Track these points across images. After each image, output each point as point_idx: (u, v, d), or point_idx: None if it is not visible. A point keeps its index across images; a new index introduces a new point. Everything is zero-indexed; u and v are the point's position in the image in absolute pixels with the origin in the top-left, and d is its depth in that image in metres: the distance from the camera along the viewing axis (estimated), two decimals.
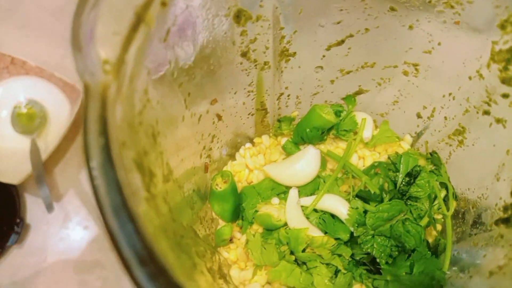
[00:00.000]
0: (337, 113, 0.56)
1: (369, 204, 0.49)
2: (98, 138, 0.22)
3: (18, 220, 0.61)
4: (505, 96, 0.38)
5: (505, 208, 0.39)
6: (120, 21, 0.27)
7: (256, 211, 0.51)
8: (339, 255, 0.48)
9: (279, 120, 0.58)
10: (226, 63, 0.42)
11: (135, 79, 0.27)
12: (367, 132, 0.54)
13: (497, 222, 0.40)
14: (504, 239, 0.38)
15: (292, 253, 0.49)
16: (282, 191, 0.53)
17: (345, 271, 0.47)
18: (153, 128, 0.31)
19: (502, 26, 0.35)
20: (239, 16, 0.38)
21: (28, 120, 0.67)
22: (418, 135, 0.52)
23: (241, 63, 0.44)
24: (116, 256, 0.21)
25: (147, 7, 0.28)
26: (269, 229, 0.50)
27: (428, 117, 0.49)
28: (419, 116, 0.51)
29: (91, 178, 0.22)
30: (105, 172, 0.21)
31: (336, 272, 0.48)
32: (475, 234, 0.44)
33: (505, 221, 0.39)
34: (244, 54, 0.43)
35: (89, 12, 0.25)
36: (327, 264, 0.48)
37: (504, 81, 0.38)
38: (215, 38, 0.38)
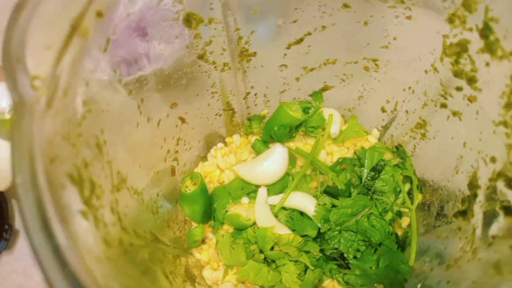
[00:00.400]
0: (306, 110, 0.56)
1: (338, 199, 0.49)
2: (23, 155, 0.22)
3: (6, 227, 0.61)
4: (458, 89, 0.38)
5: (463, 201, 0.40)
6: (53, 34, 0.27)
7: (226, 211, 0.51)
8: (307, 252, 0.48)
9: (249, 119, 0.58)
10: (183, 67, 0.42)
11: (70, 91, 0.27)
12: (335, 127, 0.54)
13: (456, 215, 0.41)
14: (462, 231, 0.39)
15: (261, 251, 0.49)
16: (252, 190, 0.53)
17: (313, 268, 0.47)
18: (98, 138, 0.31)
19: (450, 20, 0.35)
20: (189, 20, 0.37)
21: None
22: (385, 129, 0.52)
23: (199, 66, 0.44)
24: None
25: (81, 18, 0.27)
26: (239, 229, 0.51)
27: (391, 111, 0.50)
28: (383, 110, 0.51)
29: (18, 197, 0.22)
30: (28, 190, 0.21)
31: (306, 269, 0.49)
32: (439, 226, 0.44)
33: (462, 213, 0.39)
34: (201, 57, 0.43)
35: (21, 26, 0.25)
36: (296, 261, 0.48)
37: (456, 74, 0.38)
38: (167, 43, 0.38)
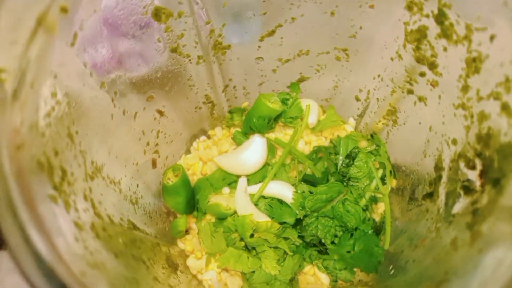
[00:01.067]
0: (284, 101, 0.57)
1: (316, 187, 0.51)
2: None
3: None
4: (422, 74, 0.40)
5: (430, 183, 0.41)
6: (18, 29, 0.28)
7: (208, 201, 0.53)
8: (286, 238, 0.49)
9: (230, 112, 0.59)
10: (156, 60, 0.43)
11: (37, 84, 0.28)
12: (312, 117, 0.55)
13: (424, 197, 0.42)
14: (429, 212, 0.40)
15: (242, 239, 0.50)
16: (233, 180, 0.54)
17: (291, 253, 0.49)
18: (69, 129, 0.32)
19: (409, 8, 0.37)
20: (158, 14, 0.39)
21: None
22: (360, 118, 0.54)
23: (173, 59, 0.45)
24: None
25: (46, 14, 0.29)
26: (220, 218, 0.52)
27: (365, 99, 0.51)
28: (357, 99, 0.52)
29: None
30: None
31: (285, 255, 0.50)
32: (410, 210, 0.46)
33: (430, 195, 0.41)
34: (174, 50, 0.44)
35: None
36: (275, 248, 0.49)
37: (418, 60, 0.39)
38: (137, 38, 0.39)
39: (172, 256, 0.49)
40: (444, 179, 0.38)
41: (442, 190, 0.39)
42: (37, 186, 0.26)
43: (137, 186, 0.46)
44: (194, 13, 0.40)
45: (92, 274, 0.26)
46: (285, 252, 0.50)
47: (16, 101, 0.26)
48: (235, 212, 0.52)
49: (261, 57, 0.51)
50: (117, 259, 0.32)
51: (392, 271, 0.41)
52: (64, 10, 0.30)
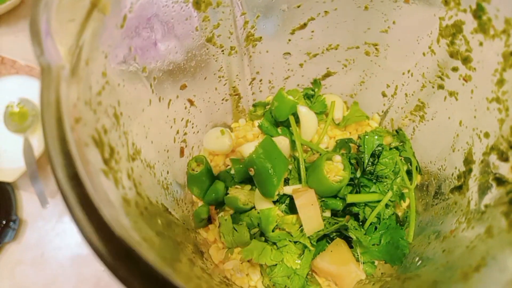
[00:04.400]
0: (309, 96, 0.58)
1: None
2: (52, 114, 0.24)
3: (14, 217, 0.63)
4: (454, 69, 0.40)
5: (459, 177, 0.42)
6: (75, 8, 0.29)
7: (227, 193, 0.53)
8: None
9: (254, 105, 0.60)
10: (192, 49, 0.44)
11: (91, 62, 0.29)
12: (338, 113, 0.56)
13: (452, 191, 0.42)
14: (457, 205, 0.41)
15: (262, 234, 0.51)
16: None
17: (312, 248, 0.49)
18: (115, 109, 0.33)
19: (446, 2, 0.37)
20: (198, 3, 0.40)
21: (21, 119, 0.68)
22: (385, 114, 0.54)
23: (207, 49, 0.46)
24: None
25: None
26: (238, 212, 0.52)
27: (392, 95, 0.51)
28: (384, 95, 0.53)
29: (48, 152, 0.24)
30: (57, 145, 0.24)
31: (304, 249, 0.50)
32: (436, 204, 0.46)
33: (458, 188, 0.41)
34: (209, 40, 0.45)
35: (47, 1, 0.28)
36: (295, 242, 0.50)
37: (452, 55, 0.40)
38: (177, 25, 0.40)
39: (198, 243, 0.49)
40: (475, 172, 0.39)
41: (472, 183, 0.39)
42: (93, 160, 0.27)
43: (168, 172, 0.47)
44: (232, 3, 0.41)
45: (145, 246, 0.26)
46: (304, 247, 0.50)
47: (74, 77, 0.27)
48: (252, 208, 0.52)
49: (289, 51, 0.52)
50: (159, 238, 0.33)
51: (419, 262, 0.42)
52: None
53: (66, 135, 0.24)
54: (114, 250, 0.21)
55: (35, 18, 0.27)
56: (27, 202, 0.67)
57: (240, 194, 0.52)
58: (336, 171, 0.47)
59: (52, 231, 0.65)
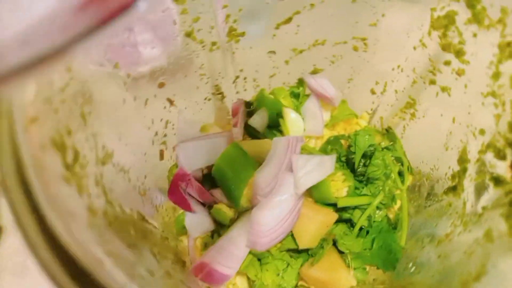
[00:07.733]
0: (295, 95, 0.55)
1: None
2: (3, 112, 0.21)
3: None
4: (447, 63, 0.38)
5: (453, 177, 0.40)
6: None
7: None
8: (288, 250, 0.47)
9: None
10: (169, 45, 0.41)
11: None
12: (326, 113, 0.54)
13: (446, 192, 0.40)
14: (452, 207, 0.39)
15: None
16: None
17: (294, 266, 0.46)
18: (82, 108, 0.30)
19: None
20: None
21: None
22: (374, 112, 0.52)
23: (187, 44, 0.43)
24: None
25: None
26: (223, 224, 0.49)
27: (381, 92, 0.49)
28: (373, 92, 0.51)
29: None
30: (8, 148, 0.21)
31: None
32: (429, 206, 0.44)
33: (453, 189, 0.39)
34: (188, 35, 0.42)
35: None
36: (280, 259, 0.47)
37: (444, 48, 0.38)
38: (153, 19, 0.37)
39: (179, 253, 0.46)
40: (470, 171, 0.37)
41: (467, 184, 0.37)
42: (51, 165, 0.24)
43: (145, 177, 0.44)
44: None
45: (109, 262, 0.23)
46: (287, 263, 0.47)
47: None
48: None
49: (274, 47, 0.50)
50: (130, 250, 0.30)
51: (413, 268, 0.40)
52: None
53: (16, 137, 0.21)
54: (66, 269, 0.19)
55: None
56: (7, 208, 0.63)
57: (224, 207, 0.49)
58: (338, 186, 0.45)
59: None
